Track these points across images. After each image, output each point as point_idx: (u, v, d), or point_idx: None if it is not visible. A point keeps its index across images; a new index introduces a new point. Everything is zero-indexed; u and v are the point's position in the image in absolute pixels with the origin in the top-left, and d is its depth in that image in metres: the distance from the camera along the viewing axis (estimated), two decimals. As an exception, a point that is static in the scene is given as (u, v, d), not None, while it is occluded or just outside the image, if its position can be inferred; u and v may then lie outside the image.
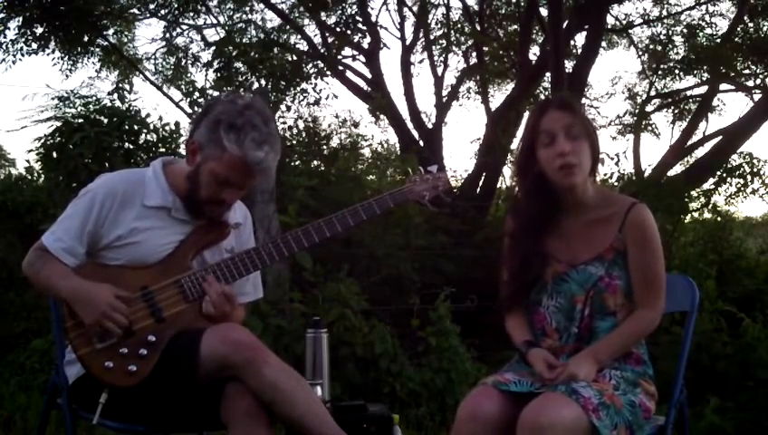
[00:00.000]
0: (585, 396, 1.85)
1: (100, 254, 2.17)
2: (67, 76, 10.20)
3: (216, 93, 5.98)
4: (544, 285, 2.13)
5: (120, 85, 5.82)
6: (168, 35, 10.58)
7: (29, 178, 6.27)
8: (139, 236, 2.16)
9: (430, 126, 9.91)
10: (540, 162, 2.09)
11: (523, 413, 1.84)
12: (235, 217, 2.32)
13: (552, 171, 2.07)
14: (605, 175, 6.20)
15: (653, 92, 11.00)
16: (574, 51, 9.39)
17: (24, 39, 8.50)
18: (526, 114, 9.18)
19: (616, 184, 6.66)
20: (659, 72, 10.66)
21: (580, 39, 9.24)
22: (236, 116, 2.11)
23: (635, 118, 10.23)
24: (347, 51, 10.11)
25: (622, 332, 2.05)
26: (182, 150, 5.06)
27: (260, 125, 2.12)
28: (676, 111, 10.68)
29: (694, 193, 7.28)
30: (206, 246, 2.24)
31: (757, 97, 9.55)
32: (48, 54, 8.80)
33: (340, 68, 9.81)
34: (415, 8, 10.47)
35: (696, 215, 7.50)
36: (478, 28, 10.18)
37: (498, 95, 11.34)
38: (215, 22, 10.62)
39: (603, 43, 9.86)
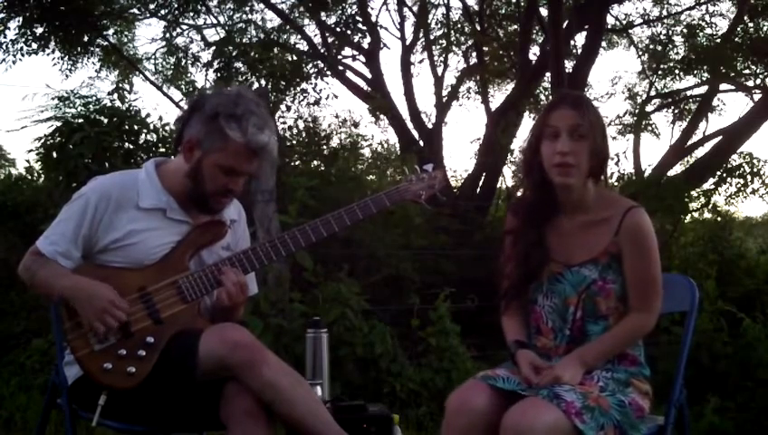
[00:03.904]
0: (567, 400, 1.84)
1: (96, 257, 2.17)
2: (67, 76, 10.21)
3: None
4: (540, 284, 2.13)
5: (120, 85, 5.82)
6: (168, 35, 10.59)
7: (29, 178, 6.27)
8: (135, 238, 2.16)
9: (430, 126, 9.91)
10: (542, 156, 2.09)
11: (505, 417, 1.85)
12: (230, 214, 2.33)
13: (549, 167, 2.07)
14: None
15: (653, 92, 11.01)
16: (574, 51, 9.39)
17: (24, 39, 8.49)
18: (526, 114, 9.20)
19: (616, 184, 6.66)
20: (659, 72, 10.67)
21: (580, 39, 9.27)
22: (233, 106, 2.13)
23: (635, 118, 10.23)
24: (347, 51, 10.13)
25: (613, 335, 2.05)
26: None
27: (256, 110, 2.15)
28: (676, 111, 10.69)
29: (694, 193, 7.29)
30: (204, 246, 2.24)
31: (757, 97, 9.57)
32: (48, 54, 8.79)
33: (340, 68, 9.82)
34: (415, 8, 10.49)
35: (696, 215, 7.51)
36: (478, 28, 10.19)
37: (498, 95, 11.36)
38: (215, 22, 10.63)
39: (603, 43, 9.86)
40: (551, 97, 7.64)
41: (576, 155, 2.04)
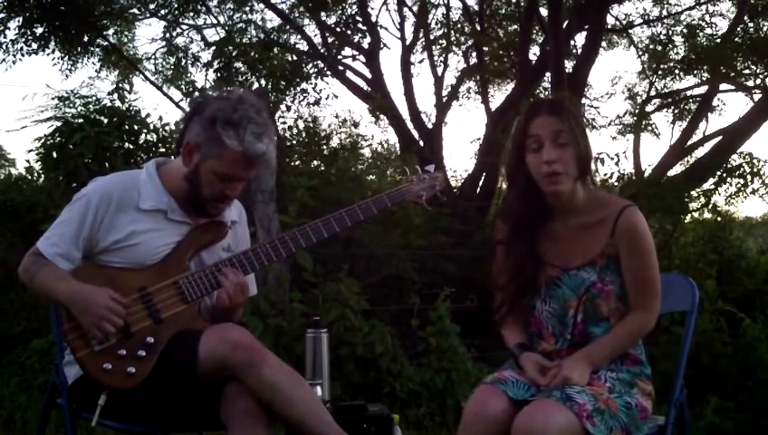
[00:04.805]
0: (580, 403, 1.84)
1: (97, 257, 2.17)
2: (67, 76, 10.20)
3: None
4: (538, 290, 2.11)
5: (120, 85, 5.82)
6: (168, 35, 10.58)
7: (29, 178, 6.28)
8: (137, 239, 2.16)
9: (430, 126, 9.91)
10: (528, 166, 2.07)
11: (517, 419, 1.85)
12: (230, 215, 2.33)
13: (539, 178, 2.06)
14: (605, 175, 6.18)
15: (653, 92, 10.99)
16: (574, 51, 9.39)
17: (24, 39, 8.48)
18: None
19: (616, 184, 6.65)
20: (659, 72, 10.66)
21: (580, 39, 9.26)
22: (232, 111, 2.12)
23: (635, 118, 10.21)
24: (347, 51, 10.12)
25: (616, 334, 2.04)
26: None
27: (256, 117, 2.13)
28: (676, 111, 10.68)
29: (694, 193, 7.28)
30: (204, 247, 2.24)
31: (757, 97, 9.56)
32: (48, 54, 8.78)
33: (340, 68, 9.81)
34: (415, 8, 10.48)
35: (696, 215, 7.51)
36: (478, 28, 10.18)
37: (498, 95, 11.35)
38: (215, 22, 10.61)
39: (603, 43, 9.86)
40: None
41: (563, 162, 2.02)
